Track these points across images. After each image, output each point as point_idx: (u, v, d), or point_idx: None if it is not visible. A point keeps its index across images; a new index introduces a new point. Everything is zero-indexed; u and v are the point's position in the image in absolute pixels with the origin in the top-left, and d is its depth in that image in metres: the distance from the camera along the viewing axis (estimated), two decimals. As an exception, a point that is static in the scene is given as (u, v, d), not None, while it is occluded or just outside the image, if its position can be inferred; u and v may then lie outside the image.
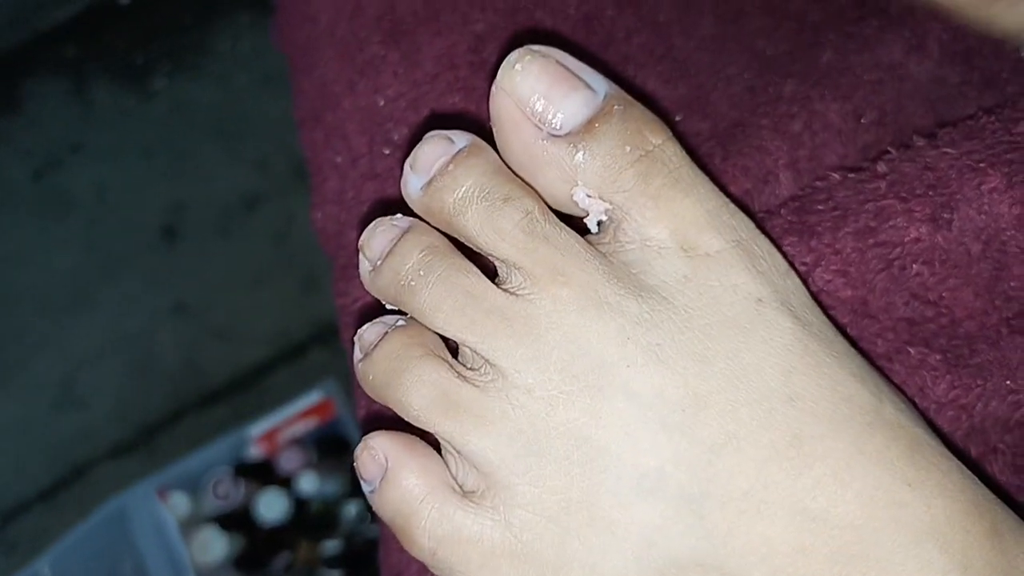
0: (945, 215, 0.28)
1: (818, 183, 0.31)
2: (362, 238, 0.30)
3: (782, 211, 0.31)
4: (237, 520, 0.99)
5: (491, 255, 0.27)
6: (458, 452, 0.27)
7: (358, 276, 0.39)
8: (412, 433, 0.28)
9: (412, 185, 0.28)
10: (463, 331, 0.27)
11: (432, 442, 0.28)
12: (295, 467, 1.01)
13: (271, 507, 0.99)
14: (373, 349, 0.28)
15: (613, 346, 0.25)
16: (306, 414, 1.02)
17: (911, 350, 0.30)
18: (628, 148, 0.26)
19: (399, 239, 0.28)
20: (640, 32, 0.39)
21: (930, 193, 0.29)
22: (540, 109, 0.26)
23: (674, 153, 0.27)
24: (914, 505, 0.24)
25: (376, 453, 0.28)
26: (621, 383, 0.25)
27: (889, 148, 0.30)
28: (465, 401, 0.26)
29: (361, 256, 0.30)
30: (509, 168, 0.28)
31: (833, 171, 0.31)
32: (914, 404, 0.29)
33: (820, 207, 0.30)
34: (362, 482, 0.29)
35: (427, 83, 0.38)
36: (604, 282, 0.26)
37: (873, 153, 0.32)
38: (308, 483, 1.01)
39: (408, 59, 0.39)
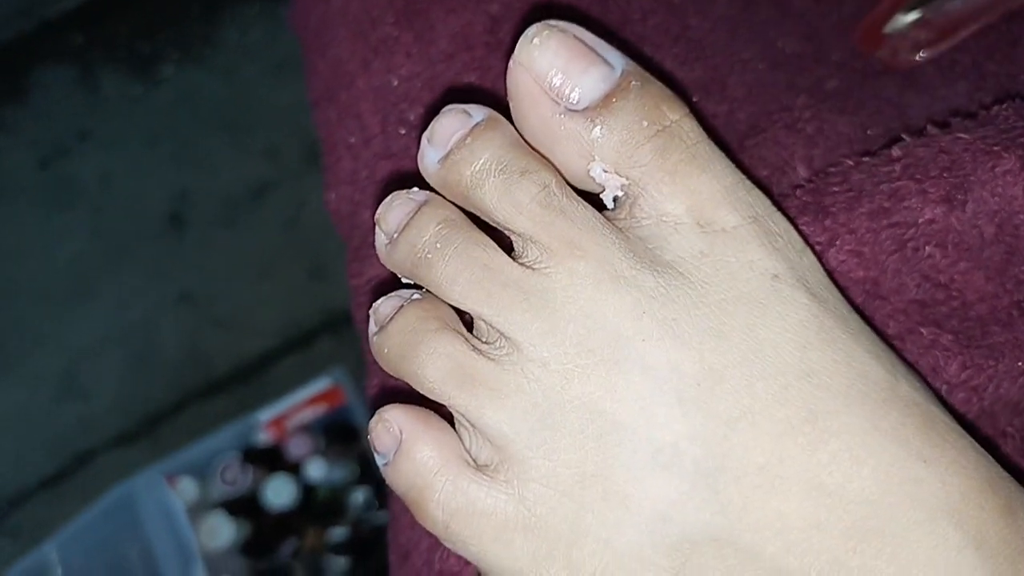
0: (959, 196, 0.28)
1: (832, 168, 0.31)
2: (378, 211, 0.30)
3: (797, 192, 0.31)
4: (245, 506, 0.99)
5: (508, 228, 0.27)
6: (472, 425, 0.27)
7: (372, 256, 0.40)
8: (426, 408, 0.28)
9: (429, 158, 0.28)
10: (479, 304, 0.27)
11: (446, 416, 0.28)
12: (303, 453, 1.02)
13: (279, 493, 0.99)
14: (388, 322, 0.28)
15: (629, 320, 0.25)
16: (314, 401, 1.02)
17: (923, 330, 0.30)
18: (645, 123, 0.26)
19: (416, 212, 0.28)
20: (655, 12, 0.39)
21: (944, 175, 0.29)
22: (558, 84, 0.26)
23: (691, 129, 0.27)
24: (929, 481, 0.24)
25: (391, 425, 0.28)
26: (637, 357, 0.25)
27: (903, 135, 0.31)
28: (480, 374, 0.26)
29: (377, 229, 0.30)
30: (526, 142, 0.28)
31: (852, 147, 0.31)
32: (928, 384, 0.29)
33: (835, 188, 0.30)
34: (375, 455, 0.28)
35: (442, 62, 0.39)
36: (620, 256, 0.26)
37: (883, 155, 0.32)
38: (316, 470, 1.01)
39: (422, 38, 0.39)
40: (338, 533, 0.99)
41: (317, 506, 1.00)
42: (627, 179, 0.27)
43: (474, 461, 0.27)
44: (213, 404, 1.15)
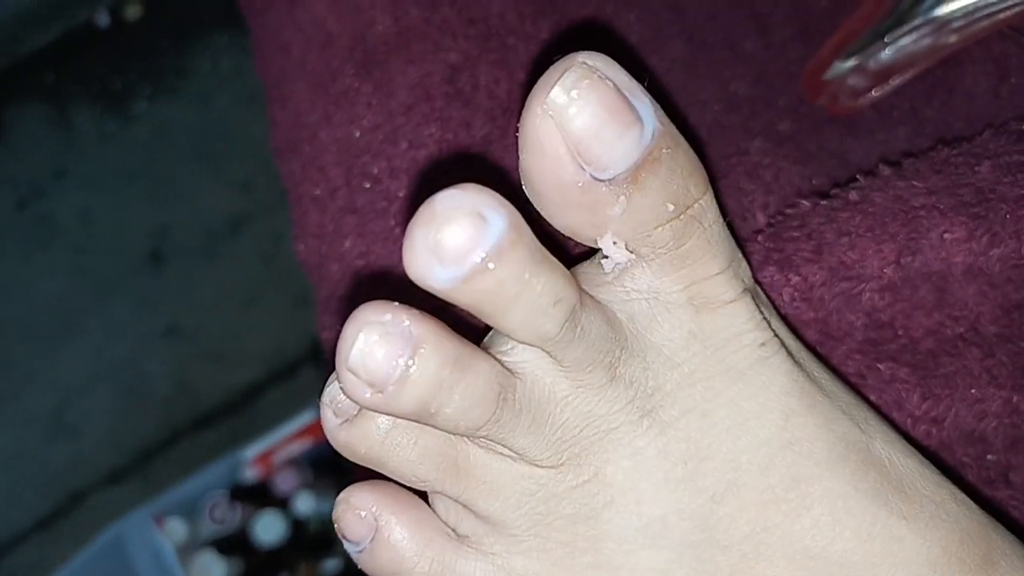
0: (907, 258, 0.29)
1: (789, 210, 0.32)
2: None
3: (759, 238, 0.31)
4: (235, 543, 0.99)
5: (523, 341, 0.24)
6: (463, 507, 0.26)
7: (342, 311, 0.40)
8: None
9: (438, 278, 0.22)
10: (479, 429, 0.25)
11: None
12: (291, 488, 1.01)
13: (268, 529, 0.99)
14: (356, 418, 0.26)
15: (621, 415, 0.25)
16: (300, 434, 1.02)
17: (880, 366, 0.31)
18: (671, 207, 0.24)
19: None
20: (616, 54, 0.39)
21: (900, 233, 0.29)
22: (588, 148, 0.22)
23: (710, 208, 0.25)
24: (910, 539, 0.25)
25: (361, 512, 0.26)
26: (626, 444, 0.25)
27: (857, 175, 0.31)
28: (470, 466, 0.26)
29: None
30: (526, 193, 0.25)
31: (802, 198, 0.32)
32: (893, 422, 0.30)
33: (795, 233, 0.31)
34: (346, 544, 0.27)
35: (402, 114, 0.39)
36: (619, 359, 0.25)
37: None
38: (305, 503, 1.01)
39: (381, 89, 0.39)
40: (331, 566, 0.99)
41: (308, 540, 1.00)
42: (636, 255, 0.25)
43: (454, 531, 0.27)
44: (203, 437, 1.14)
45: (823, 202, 0.31)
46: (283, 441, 1.01)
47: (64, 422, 1.17)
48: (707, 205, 0.25)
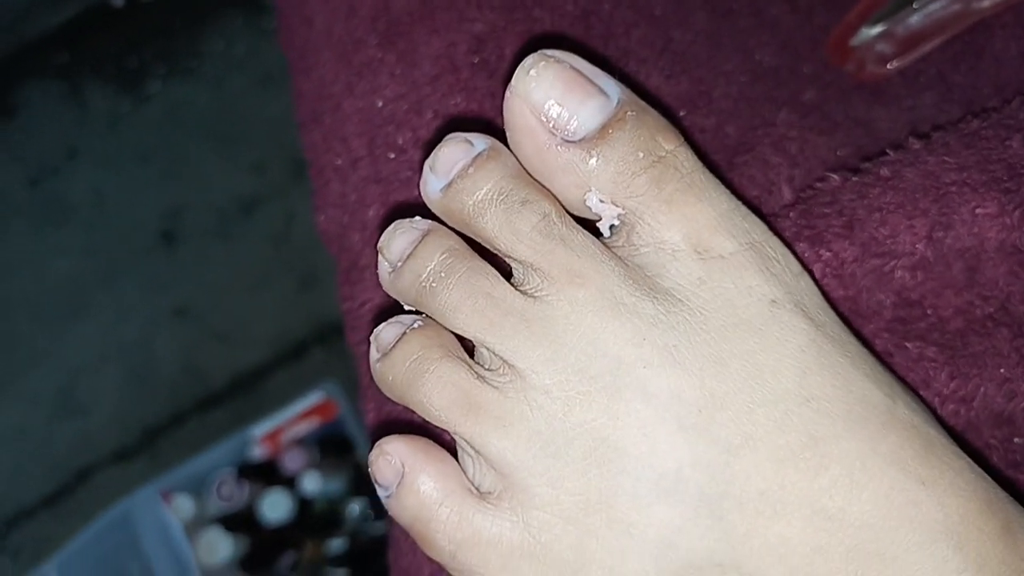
0: (939, 233, 0.29)
1: (819, 184, 0.32)
2: (381, 240, 0.30)
3: (791, 215, 0.31)
4: (241, 521, 0.99)
5: (509, 257, 0.27)
6: (477, 452, 0.27)
7: (364, 280, 0.40)
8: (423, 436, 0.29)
9: (432, 186, 0.28)
10: (482, 332, 0.27)
11: (446, 444, 0.29)
12: (298, 467, 1.01)
13: (275, 507, 0.99)
14: (392, 349, 0.28)
15: (630, 347, 0.25)
16: (308, 414, 1.02)
17: (908, 345, 0.30)
18: (641, 154, 0.26)
19: (420, 241, 0.28)
20: (638, 26, 0.39)
21: (931, 209, 0.29)
22: (554, 115, 0.26)
23: (686, 158, 0.27)
24: (928, 504, 0.24)
25: (392, 458, 0.28)
26: (638, 384, 0.25)
27: (887, 151, 0.31)
28: (485, 402, 0.26)
29: (380, 258, 0.30)
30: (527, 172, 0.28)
31: (828, 170, 0.31)
32: (921, 400, 0.30)
33: (827, 210, 0.31)
34: (377, 487, 0.29)
35: (427, 84, 0.38)
36: (620, 284, 0.26)
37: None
38: (312, 483, 1.01)
39: (405, 60, 0.39)
40: (336, 545, 0.99)
41: (314, 519, 1.00)
42: (623, 209, 0.27)
43: (477, 489, 0.27)
44: (210, 417, 1.15)
45: (854, 178, 0.31)
46: (291, 420, 1.01)
47: (72, 401, 1.18)
48: (681, 154, 0.27)
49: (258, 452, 1.02)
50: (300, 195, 1.21)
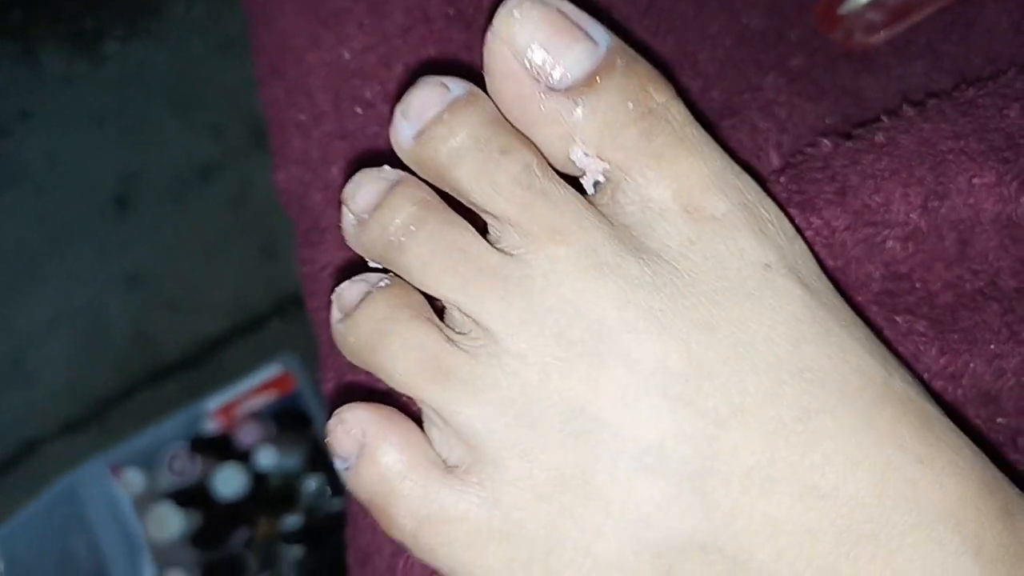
0: (934, 203, 0.28)
1: (810, 149, 0.30)
2: (346, 189, 0.28)
3: (780, 179, 0.30)
4: (194, 496, 0.97)
5: (485, 211, 0.26)
6: (445, 421, 0.25)
7: (324, 241, 0.38)
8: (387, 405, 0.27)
9: (403, 133, 0.26)
10: (454, 291, 0.25)
11: (412, 414, 0.27)
12: (253, 441, 0.99)
13: (229, 482, 0.97)
14: (355, 309, 0.26)
15: (613, 310, 0.24)
16: (265, 387, 1.00)
17: (898, 319, 0.29)
18: (631, 105, 0.25)
19: (388, 192, 0.26)
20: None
21: (927, 177, 0.28)
22: (539, 60, 0.25)
23: (678, 111, 0.26)
24: (925, 484, 0.23)
25: (352, 427, 0.26)
26: (621, 350, 0.24)
27: (882, 116, 0.30)
28: (454, 367, 0.25)
29: (344, 209, 0.28)
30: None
31: (823, 136, 0.30)
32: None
33: (818, 175, 0.29)
34: (335, 459, 0.27)
35: (398, 36, 0.37)
36: (604, 242, 0.24)
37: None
38: (267, 457, 0.99)
39: (375, 10, 0.37)
40: (291, 521, 0.98)
41: (269, 495, 0.98)
42: (609, 163, 0.25)
43: (444, 462, 0.25)
44: (163, 389, 1.12)
45: (847, 143, 0.30)
46: (246, 394, 0.99)
47: (20, 369, 1.15)
48: (673, 107, 0.26)
49: (212, 426, 1.00)
50: (260, 161, 1.18)
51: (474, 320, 0.25)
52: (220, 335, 1.14)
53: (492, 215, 0.25)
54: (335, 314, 0.27)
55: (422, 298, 0.26)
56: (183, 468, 0.96)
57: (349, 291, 0.27)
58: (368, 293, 0.26)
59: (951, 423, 0.25)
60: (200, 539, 0.96)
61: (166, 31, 1.28)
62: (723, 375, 0.23)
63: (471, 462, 0.25)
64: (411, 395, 0.25)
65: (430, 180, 0.26)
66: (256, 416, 1.00)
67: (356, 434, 0.26)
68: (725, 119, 0.34)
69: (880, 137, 0.29)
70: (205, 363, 1.13)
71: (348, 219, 0.27)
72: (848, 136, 0.30)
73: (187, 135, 1.22)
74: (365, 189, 0.27)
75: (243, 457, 0.99)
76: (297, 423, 1.02)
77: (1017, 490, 0.25)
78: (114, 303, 1.16)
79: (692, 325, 0.24)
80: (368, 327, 0.26)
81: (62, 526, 0.94)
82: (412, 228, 0.25)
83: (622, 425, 0.23)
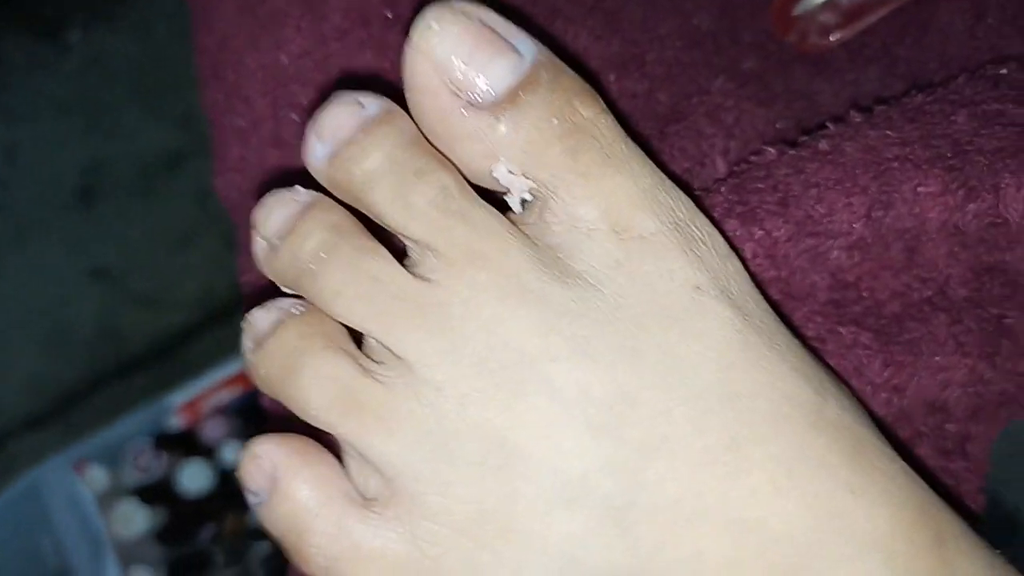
0: (878, 212, 0.27)
1: (754, 158, 0.30)
2: (255, 214, 0.27)
3: (722, 189, 0.29)
4: (159, 492, 0.96)
5: (402, 235, 0.25)
6: (360, 455, 0.25)
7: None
8: (309, 431, 0.26)
9: (316, 154, 0.25)
10: (367, 320, 0.24)
11: (332, 442, 0.26)
12: (219, 437, 0.98)
13: (194, 478, 0.96)
14: (266, 339, 0.26)
15: (534, 338, 0.23)
16: (230, 382, 0.99)
17: (842, 330, 0.29)
18: (555, 121, 0.24)
19: (299, 216, 0.26)
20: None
21: (871, 186, 0.27)
22: (459, 75, 0.24)
23: (606, 126, 0.25)
24: (857, 514, 0.22)
25: (263, 461, 0.25)
26: (542, 379, 0.23)
27: (827, 124, 0.29)
28: (369, 399, 0.24)
29: (254, 234, 0.27)
30: (425, 138, 0.25)
31: (766, 143, 0.29)
32: (852, 389, 0.28)
33: (760, 185, 0.29)
34: (247, 493, 0.26)
35: (335, 40, 0.36)
36: (527, 266, 0.24)
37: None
38: (233, 453, 0.98)
39: (313, 11, 0.36)
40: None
41: (235, 490, 0.97)
42: (536, 182, 0.24)
43: (362, 494, 0.25)
44: (129, 384, 1.11)
45: (790, 151, 0.29)
46: (212, 388, 0.98)
47: (-16, 365, 1.13)
48: (601, 122, 0.25)
49: (176, 421, 0.99)
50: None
51: (390, 350, 0.24)
52: (187, 328, 1.13)
53: (410, 239, 0.25)
54: (246, 343, 0.27)
55: (338, 326, 0.25)
56: (148, 464, 0.95)
57: (260, 319, 0.26)
58: (280, 321, 0.26)
59: (887, 448, 0.24)
60: (166, 535, 0.96)
61: (130, 17, 1.26)
62: (649, 404, 0.23)
63: (389, 495, 0.24)
64: (325, 429, 0.25)
65: (347, 201, 0.26)
66: (222, 411, 0.99)
67: (268, 468, 0.25)
68: (671, 124, 0.33)
69: (824, 145, 0.29)
70: (172, 357, 1.12)
71: (259, 244, 0.27)
72: (795, 143, 0.30)
73: (153, 125, 1.21)
74: (276, 213, 0.26)
75: (208, 453, 0.98)
76: (263, 418, 1.01)
77: (951, 514, 0.24)
78: (79, 297, 1.15)
79: (617, 352, 0.23)
80: (279, 358, 0.25)
81: (26, 524, 0.93)
82: (323, 255, 0.25)
83: (543, 457, 0.23)
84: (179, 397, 0.98)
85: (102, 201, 1.19)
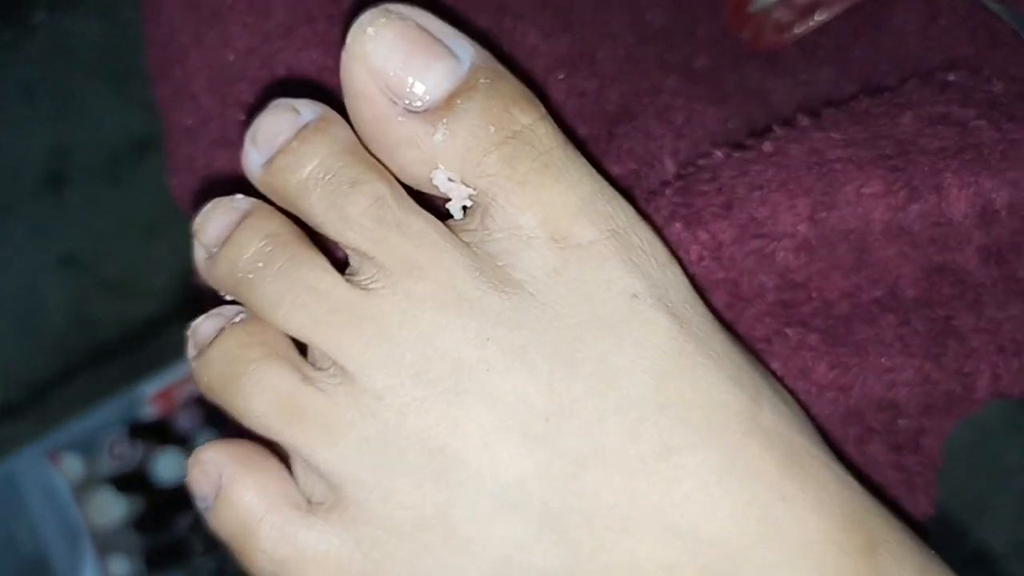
0: (822, 213, 0.27)
1: (702, 161, 0.30)
2: (196, 221, 0.27)
3: (667, 191, 0.29)
4: (134, 481, 0.96)
5: (340, 244, 0.25)
6: (305, 461, 0.25)
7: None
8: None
9: (253, 161, 0.26)
10: (305, 330, 0.24)
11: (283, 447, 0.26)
12: (193, 426, 0.99)
13: (169, 467, 0.97)
14: (208, 347, 0.26)
15: (471, 348, 0.23)
16: (203, 371, 0.99)
17: (788, 331, 0.29)
18: (492, 128, 0.24)
19: (238, 224, 0.26)
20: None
21: (814, 188, 0.27)
22: (395, 81, 0.24)
23: (545, 134, 0.25)
24: (787, 521, 0.23)
25: (209, 467, 0.25)
26: (480, 388, 0.23)
27: (773, 127, 0.29)
28: (310, 408, 0.24)
29: (195, 243, 0.27)
30: (364, 145, 0.25)
31: (716, 143, 0.29)
32: (795, 391, 0.29)
33: (705, 187, 0.29)
34: (194, 499, 0.26)
35: (280, 37, 0.35)
36: (464, 276, 0.24)
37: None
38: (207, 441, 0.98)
39: (257, 7, 0.35)
40: (234, 505, 0.97)
41: (211, 479, 0.98)
42: (474, 189, 0.24)
43: (308, 499, 0.25)
44: (101, 372, 1.11)
45: (736, 154, 0.29)
46: (186, 377, 0.98)
47: (-46, 355, 1.13)
48: (539, 130, 0.25)
49: (150, 411, 0.99)
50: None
51: (331, 358, 0.24)
52: (160, 316, 1.13)
53: (348, 248, 0.25)
54: (190, 351, 0.27)
55: (280, 334, 0.25)
56: (123, 453, 0.96)
57: (203, 327, 0.27)
58: (222, 329, 0.26)
59: (821, 454, 0.25)
60: (143, 524, 0.96)
61: (95, -1, 1.24)
62: (585, 413, 0.23)
63: (333, 501, 0.24)
64: (267, 436, 0.25)
65: (286, 208, 0.26)
66: (196, 400, 1.00)
67: (213, 475, 0.25)
68: (620, 124, 0.33)
69: (769, 147, 0.29)
70: (144, 345, 1.12)
71: (199, 253, 0.27)
72: (744, 146, 0.30)
73: (122, 108, 1.19)
74: (215, 221, 0.26)
75: (183, 442, 0.99)
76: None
77: (887, 518, 0.24)
78: (50, 285, 1.14)
79: (554, 361, 0.23)
80: (220, 366, 0.25)
81: (1, 514, 0.93)
82: (260, 264, 0.25)
83: (481, 464, 0.23)
84: (152, 386, 0.98)
85: (70, 187, 1.18)
